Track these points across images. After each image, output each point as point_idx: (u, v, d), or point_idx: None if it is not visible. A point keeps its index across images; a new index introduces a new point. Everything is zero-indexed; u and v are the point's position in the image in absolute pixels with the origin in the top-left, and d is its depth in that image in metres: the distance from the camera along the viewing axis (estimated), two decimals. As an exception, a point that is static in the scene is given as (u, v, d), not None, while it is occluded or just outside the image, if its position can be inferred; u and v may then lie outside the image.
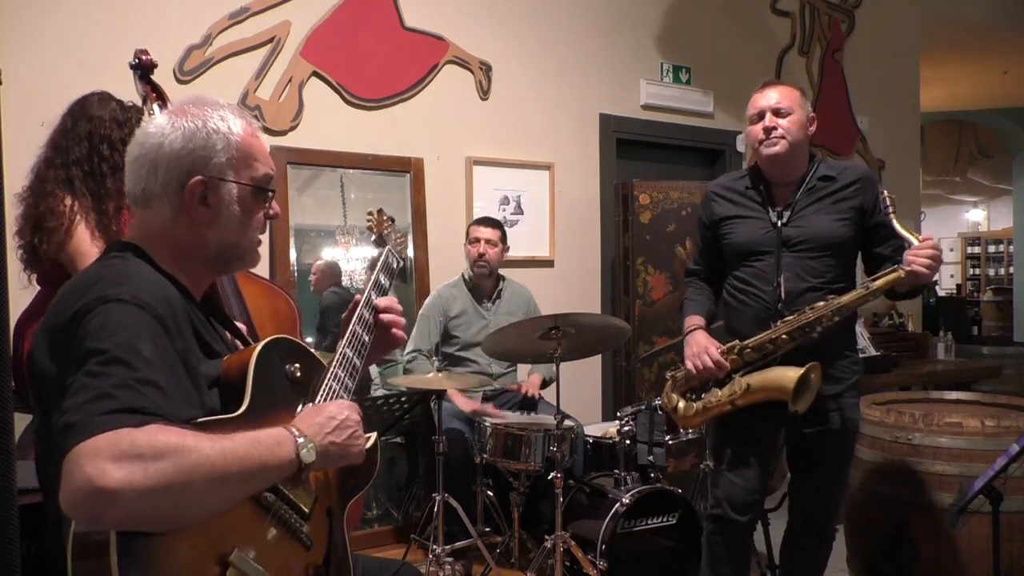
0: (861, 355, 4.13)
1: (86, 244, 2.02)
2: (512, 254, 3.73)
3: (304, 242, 3.59)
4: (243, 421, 1.15)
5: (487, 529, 3.26)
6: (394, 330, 1.57)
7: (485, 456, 3.04)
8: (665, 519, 2.89)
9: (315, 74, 3.55)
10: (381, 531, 3.60)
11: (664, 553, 2.89)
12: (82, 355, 1.05)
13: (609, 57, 4.42)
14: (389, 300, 1.58)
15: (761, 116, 2.29)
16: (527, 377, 3.58)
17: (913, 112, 6.08)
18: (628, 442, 2.99)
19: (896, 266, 2.12)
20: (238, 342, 1.43)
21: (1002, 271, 13.24)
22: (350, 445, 1.26)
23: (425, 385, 2.92)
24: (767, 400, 2.22)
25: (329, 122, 3.59)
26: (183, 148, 1.24)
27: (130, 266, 1.21)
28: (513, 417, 3.21)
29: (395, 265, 1.68)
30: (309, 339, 3.50)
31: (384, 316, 1.55)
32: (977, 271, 13.81)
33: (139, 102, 2.16)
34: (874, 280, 2.16)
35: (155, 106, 2.08)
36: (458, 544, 3.03)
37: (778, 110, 2.27)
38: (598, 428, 3.43)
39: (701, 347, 2.31)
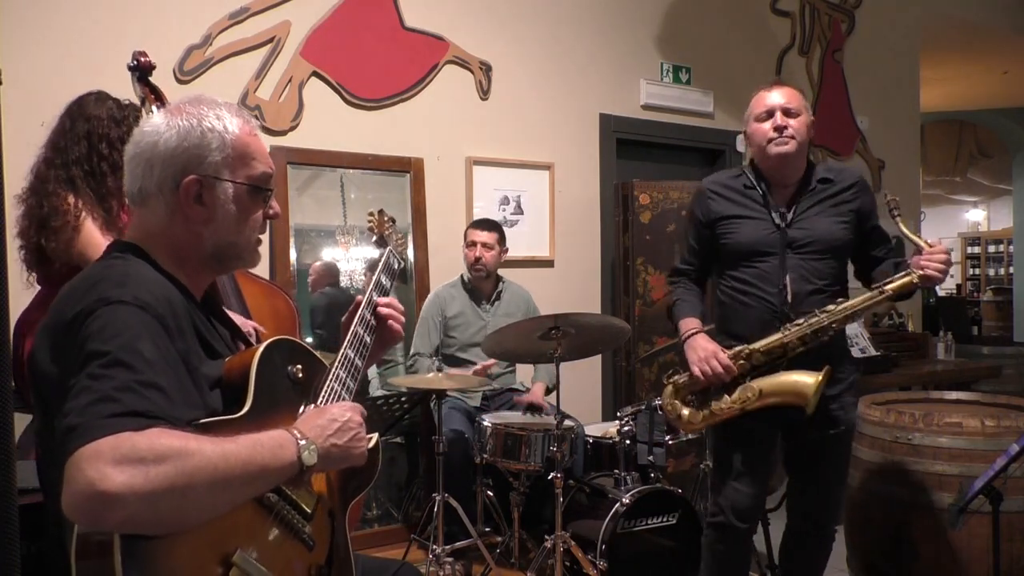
0: (861, 355, 4.16)
1: (97, 237, 2.02)
2: (512, 254, 3.73)
3: (304, 242, 3.59)
4: (245, 422, 1.15)
5: (487, 529, 3.26)
6: (391, 322, 1.57)
7: (485, 456, 3.04)
8: (665, 519, 2.89)
9: (315, 74, 3.55)
10: (381, 531, 3.60)
11: (664, 553, 2.89)
12: (84, 357, 1.05)
13: (609, 57, 4.42)
14: (389, 300, 1.58)
15: (770, 114, 2.27)
16: (531, 386, 3.55)
17: (913, 112, 6.08)
18: (628, 442, 2.99)
19: (908, 271, 2.15)
20: (239, 342, 1.43)
21: (1002, 271, 13.24)
22: (352, 447, 1.26)
23: (425, 385, 2.92)
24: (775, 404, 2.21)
25: (329, 122, 3.59)
26: (178, 147, 1.24)
27: (131, 266, 1.21)
28: (513, 417, 3.21)
29: (396, 266, 1.69)
30: (308, 339, 3.50)
31: (382, 309, 1.55)
32: (977, 271, 13.81)
33: (138, 103, 2.16)
34: (887, 284, 2.17)
35: (154, 108, 2.09)
36: (458, 544, 3.03)
37: (788, 110, 2.27)
38: (598, 428, 3.43)
39: (709, 352, 2.24)
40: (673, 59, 4.66)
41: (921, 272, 2.11)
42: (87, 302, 1.11)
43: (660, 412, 3.01)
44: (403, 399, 3.55)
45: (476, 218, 3.72)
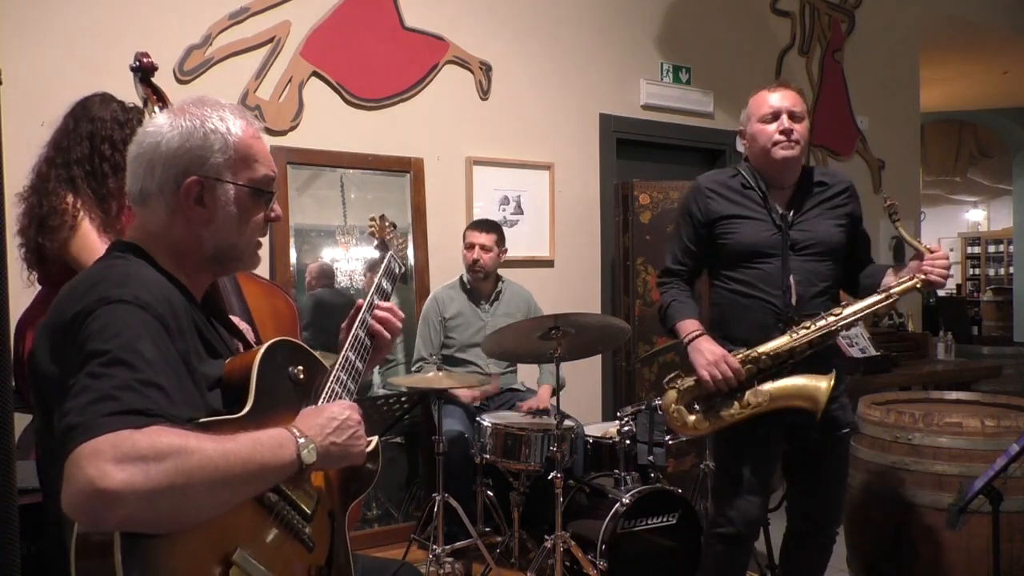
0: (861, 355, 4.16)
1: (93, 238, 2.02)
2: (512, 254, 3.73)
3: (304, 242, 3.59)
4: (246, 422, 1.15)
5: (487, 529, 3.26)
6: (382, 328, 1.54)
7: (485, 456, 3.04)
8: (665, 519, 2.89)
9: (315, 74, 3.55)
10: (381, 531, 3.60)
11: (664, 553, 2.89)
12: (84, 356, 1.05)
13: (609, 57, 4.42)
14: (390, 306, 1.58)
15: (776, 116, 2.26)
16: (538, 389, 3.54)
17: (913, 112, 6.08)
18: (628, 442, 2.99)
19: (913, 275, 2.17)
20: (239, 343, 1.43)
21: (1002, 271, 13.24)
22: (351, 445, 1.26)
23: (425, 385, 2.92)
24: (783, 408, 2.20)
25: (329, 122, 3.59)
26: (180, 147, 1.24)
27: (131, 266, 1.21)
28: (513, 417, 3.21)
29: (397, 270, 1.69)
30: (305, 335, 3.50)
31: (375, 325, 1.53)
32: (977, 271, 13.81)
33: (140, 104, 2.17)
34: (893, 288, 2.19)
35: (156, 108, 2.09)
36: (458, 544, 3.03)
37: (793, 114, 2.26)
38: (598, 428, 3.43)
39: (718, 356, 2.17)
40: (673, 59, 4.66)
41: (924, 277, 2.14)
42: (87, 301, 1.11)
43: (660, 412, 3.00)
44: (403, 399, 3.55)
45: (476, 219, 3.72)
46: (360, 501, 1.49)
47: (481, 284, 3.53)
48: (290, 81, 3.49)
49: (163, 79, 2.24)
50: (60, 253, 2.02)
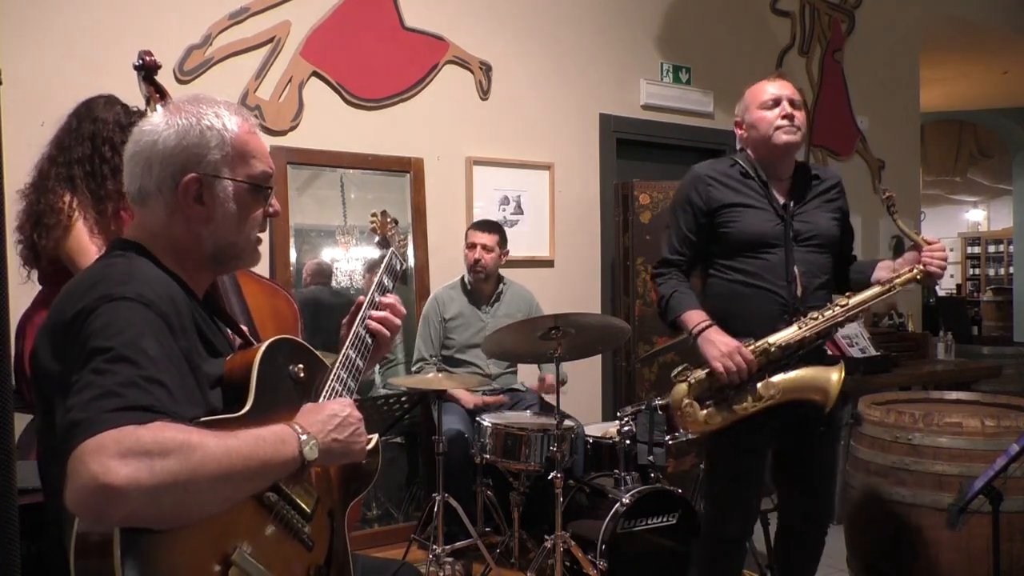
0: (861, 355, 4.16)
1: (85, 241, 2.04)
2: (512, 254, 3.73)
3: (304, 242, 3.59)
4: (247, 420, 1.15)
5: (487, 529, 3.26)
6: (381, 326, 1.54)
7: (485, 456, 3.04)
8: (665, 519, 2.89)
9: (315, 74, 3.55)
10: (381, 531, 3.60)
11: (664, 553, 2.89)
12: (87, 353, 1.05)
13: (609, 57, 4.42)
14: (392, 300, 1.57)
15: (777, 102, 2.27)
16: (542, 378, 3.52)
17: (913, 112, 6.08)
18: (628, 442, 2.99)
19: (912, 266, 2.18)
20: (240, 341, 1.43)
21: (1002, 271, 13.23)
22: (352, 442, 1.26)
23: (425, 385, 2.92)
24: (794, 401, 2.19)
25: (329, 122, 3.59)
26: (177, 145, 1.24)
27: (133, 264, 1.21)
28: (513, 417, 3.21)
29: (399, 267, 1.69)
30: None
31: (371, 323, 1.52)
32: (977, 271, 13.81)
33: (143, 103, 2.18)
34: (895, 279, 2.19)
35: (158, 107, 2.10)
36: (458, 544, 3.03)
37: (794, 101, 2.28)
38: (598, 428, 3.43)
39: (731, 346, 2.11)
40: (673, 59, 4.66)
41: (923, 268, 2.16)
42: (89, 299, 1.11)
43: (660, 412, 3.00)
44: (403, 399, 3.55)
45: (477, 219, 3.72)
46: (360, 501, 1.49)
47: (482, 285, 3.53)
48: (290, 81, 3.49)
49: (163, 79, 2.24)
50: (54, 251, 2.05)
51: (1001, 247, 13.27)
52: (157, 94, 2.13)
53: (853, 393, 3.85)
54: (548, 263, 4.23)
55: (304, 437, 1.16)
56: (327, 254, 3.64)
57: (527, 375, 3.69)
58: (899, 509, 2.58)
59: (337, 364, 1.41)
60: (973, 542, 2.41)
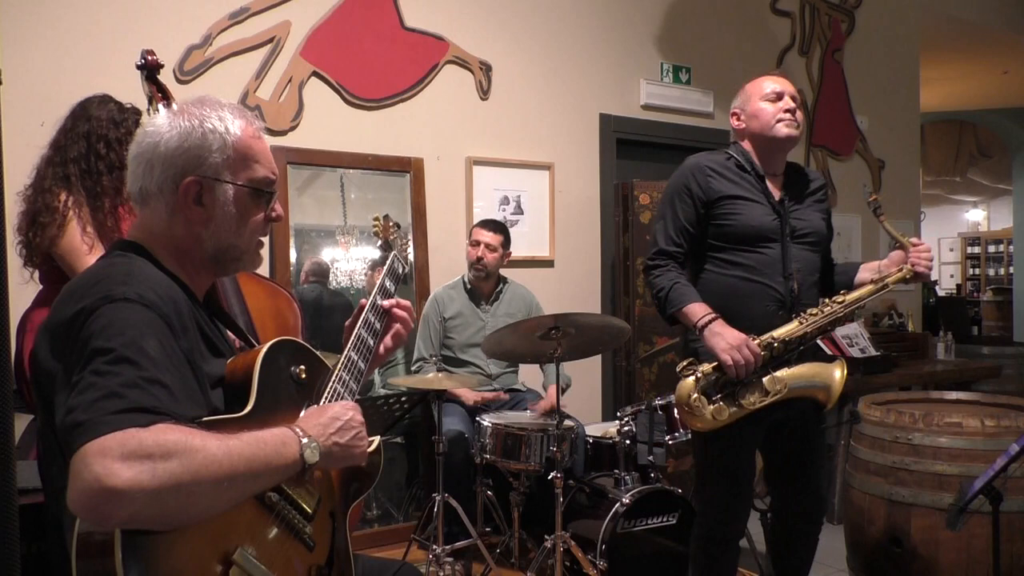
0: (861, 355, 4.16)
1: (76, 240, 2.07)
2: (512, 254, 3.73)
3: (304, 242, 3.59)
4: (248, 421, 1.15)
5: (487, 529, 3.26)
6: (398, 325, 1.57)
7: (485, 456, 3.04)
8: (665, 519, 2.89)
9: (315, 74, 3.55)
10: (381, 531, 3.60)
11: (664, 553, 2.89)
12: (88, 354, 1.05)
13: (609, 57, 4.42)
14: (394, 300, 1.58)
15: (780, 97, 2.28)
16: (544, 388, 3.54)
17: (913, 112, 6.09)
18: (628, 442, 2.99)
19: (900, 266, 2.20)
20: (240, 342, 1.43)
21: (1002, 271, 13.23)
22: (353, 446, 1.26)
23: (425, 385, 2.92)
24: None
25: (329, 122, 3.59)
26: (178, 147, 1.24)
27: (134, 265, 1.21)
28: (513, 417, 3.21)
29: (400, 271, 1.69)
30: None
31: (397, 311, 1.56)
32: (977, 271, 13.81)
33: (145, 102, 2.19)
34: (887, 277, 2.20)
35: (160, 106, 2.12)
36: (458, 544, 3.03)
37: (795, 98, 2.30)
38: (598, 428, 3.43)
39: (740, 339, 2.07)
40: (673, 59, 4.66)
41: (912, 267, 2.18)
42: (90, 299, 1.11)
43: (660, 412, 3.00)
44: (403, 399, 3.55)
45: (483, 218, 3.71)
46: (361, 502, 1.49)
47: (482, 283, 3.53)
48: (290, 81, 3.49)
49: (163, 79, 2.25)
50: (48, 249, 2.07)
51: (1001, 247, 13.27)
52: (159, 93, 2.15)
53: (853, 393, 3.86)
54: (548, 263, 4.23)
55: (305, 440, 1.16)
56: (327, 254, 3.64)
57: (527, 375, 3.69)
58: (899, 509, 2.58)
59: (339, 366, 1.41)
60: (973, 542, 2.41)
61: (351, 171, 3.67)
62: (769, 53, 5.13)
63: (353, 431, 1.26)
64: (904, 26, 5.91)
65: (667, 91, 4.63)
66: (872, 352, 4.24)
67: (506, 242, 3.52)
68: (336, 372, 1.40)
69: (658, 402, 3.03)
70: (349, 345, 1.46)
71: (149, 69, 2.14)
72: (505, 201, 4.09)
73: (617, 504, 2.80)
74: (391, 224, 1.79)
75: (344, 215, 3.67)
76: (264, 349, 1.25)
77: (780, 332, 2.13)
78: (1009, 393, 3.59)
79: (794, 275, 2.22)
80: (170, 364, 1.09)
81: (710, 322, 2.12)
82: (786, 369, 2.15)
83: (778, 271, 2.22)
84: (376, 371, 3.64)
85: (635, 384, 4.15)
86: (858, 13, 5.61)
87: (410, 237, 3.77)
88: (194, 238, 1.27)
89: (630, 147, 4.56)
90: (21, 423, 2.14)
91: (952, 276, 14.32)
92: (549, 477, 2.83)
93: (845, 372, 2.18)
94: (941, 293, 11.91)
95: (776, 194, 2.29)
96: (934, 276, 13.06)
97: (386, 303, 1.57)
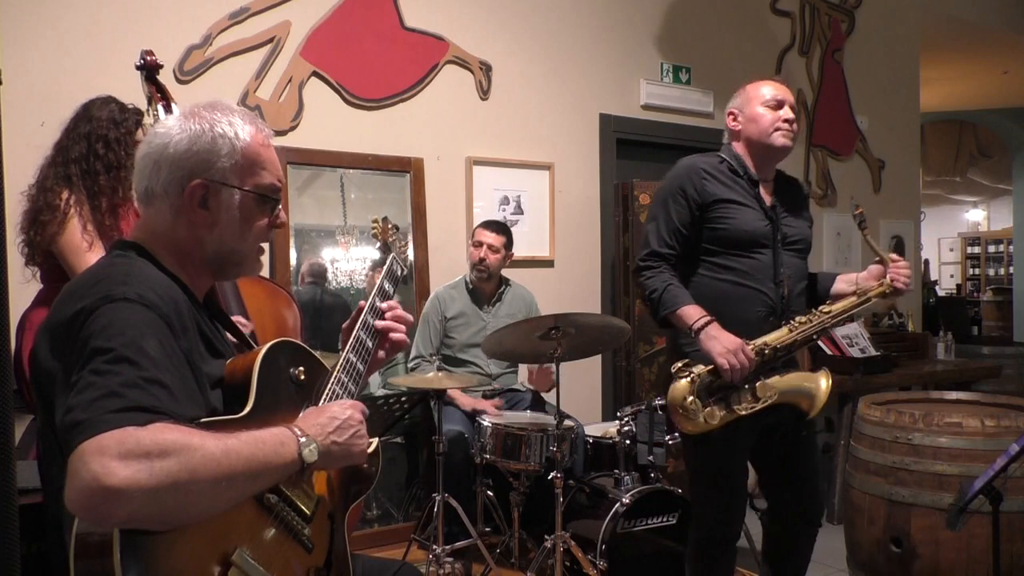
0: (861, 355, 4.16)
1: (76, 238, 2.09)
2: (514, 255, 3.73)
3: (304, 242, 3.59)
4: (247, 422, 1.15)
5: (487, 529, 3.26)
6: (392, 334, 1.56)
7: (485, 456, 3.04)
8: (665, 519, 2.89)
9: (315, 74, 3.55)
10: (381, 531, 3.60)
11: (664, 553, 2.89)
12: (88, 353, 1.05)
13: (609, 57, 4.42)
14: (392, 305, 1.58)
15: (780, 105, 2.28)
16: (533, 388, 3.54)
17: (913, 112, 6.08)
18: (628, 442, 2.99)
19: (880, 281, 2.24)
20: (240, 343, 1.43)
21: (1002, 271, 13.24)
22: (352, 445, 1.26)
23: (425, 385, 2.92)
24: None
25: (329, 122, 3.59)
26: (187, 150, 1.24)
27: (134, 265, 1.21)
28: (513, 417, 3.21)
29: (399, 272, 1.69)
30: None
31: (380, 324, 1.54)
32: (977, 271, 13.81)
33: (144, 102, 2.20)
34: (867, 291, 2.23)
35: (159, 106, 2.13)
36: (458, 544, 3.03)
37: (794, 108, 2.31)
38: (598, 428, 3.43)
39: (736, 343, 2.06)
40: (673, 59, 4.66)
41: (892, 283, 2.21)
42: (90, 299, 1.11)
43: (660, 412, 3.00)
44: (403, 399, 3.55)
45: (482, 219, 3.71)
46: (360, 503, 1.49)
47: (484, 284, 3.53)
48: (290, 81, 3.49)
49: (163, 79, 2.25)
50: (48, 247, 2.08)
51: (1001, 247, 13.27)
52: (159, 94, 2.16)
53: (853, 393, 3.87)
54: (548, 263, 4.23)
55: (304, 440, 1.16)
56: (327, 254, 3.64)
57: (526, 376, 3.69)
58: (899, 509, 2.58)
59: (338, 367, 1.42)
60: (973, 542, 2.41)
61: (351, 171, 3.67)
62: (769, 53, 5.13)
63: (352, 430, 1.26)
64: (904, 26, 5.91)
65: (667, 91, 4.62)
66: (872, 352, 4.24)
67: (508, 243, 3.52)
68: (335, 374, 1.40)
69: (658, 402, 3.03)
70: (348, 347, 1.46)
71: (148, 69, 2.15)
72: (505, 201, 4.09)
73: (617, 504, 2.80)
74: (390, 226, 1.79)
75: (344, 215, 3.67)
76: (263, 350, 1.26)
77: (771, 338, 2.14)
78: (1009, 393, 3.59)
79: (784, 281, 2.23)
80: (170, 364, 1.09)
81: (705, 325, 2.11)
82: (777, 376, 2.15)
83: (769, 277, 2.22)
84: (377, 372, 3.64)
85: (635, 384, 4.15)
86: (858, 13, 5.61)
87: (410, 237, 3.76)
88: (196, 241, 1.28)
89: (630, 147, 4.56)
90: (21, 423, 2.15)
91: (952, 276, 14.32)
92: (549, 477, 2.83)
93: (830, 382, 2.19)
94: (941, 293, 11.91)
95: (768, 200, 2.30)
96: (934, 276, 13.09)
97: (384, 305, 1.57)
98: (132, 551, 0.96)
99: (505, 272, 3.64)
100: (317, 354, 1.41)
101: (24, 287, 2.11)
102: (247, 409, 1.18)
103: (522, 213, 4.14)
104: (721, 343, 2.07)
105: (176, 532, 1.01)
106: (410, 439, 3.76)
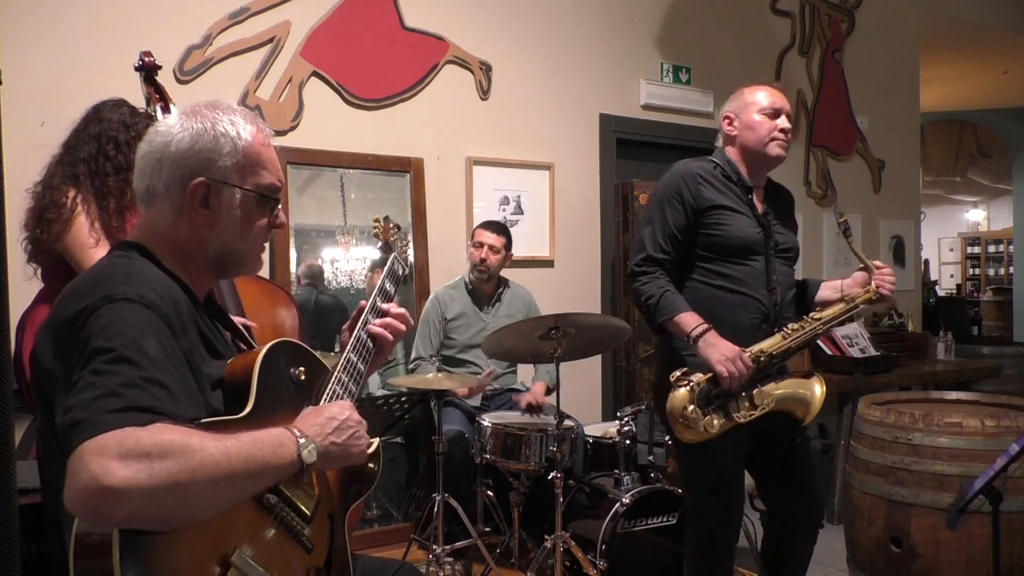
0: (861, 355, 4.16)
1: (84, 234, 2.08)
2: (514, 255, 3.73)
3: (304, 242, 3.59)
4: (247, 423, 1.15)
5: (487, 529, 3.26)
6: (384, 331, 1.54)
7: (485, 456, 3.04)
8: (665, 519, 2.89)
9: (315, 74, 3.55)
10: (381, 531, 3.60)
11: (664, 553, 2.89)
12: (88, 353, 1.05)
13: (609, 57, 4.42)
14: (401, 312, 1.57)
15: (778, 115, 2.27)
16: (531, 385, 3.56)
17: (913, 112, 6.08)
18: (628, 442, 2.99)
19: (865, 287, 2.24)
20: (240, 343, 1.43)
21: (1002, 271, 13.24)
22: (351, 445, 1.26)
23: (425, 385, 2.92)
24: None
25: (329, 122, 3.59)
26: (189, 149, 1.25)
27: (135, 265, 1.21)
28: (513, 417, 3.21)
29: (401, 272, 1.69)
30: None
31: (373, 329, 1.52)
32: (977, 271, 13.81)
33: (143, 103, 2.20)
34: (854, 298, 2.23)
35: (158, 107, 2.13)
36: (458, 544, 3.03)
37: (791, 117, 2.30)
38: (598, 428, 3.43)
39: (735, 351, 2.06)
40: (673, 59, 4.66)
41: (877, 289, 2.21)
42: (91, 299, 1.11)
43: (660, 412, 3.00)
44: (403, 399, 3.55)
45: (481, 220, 3.71)
46: (360, 504, 1.48)
47: (484, 285, 3.53)
48: (290, 81, 3.49)
49: (163, 79, 2.26)
50: (54, 245, 2.08)
51: (1001, 247, 13.28)
52: (157, 95, 2.16)
53: (853, 393, 3.87)
54: (548, 263, 4.23)
55: (303, 441, 1.16)
56: (327, 254, 3.64)
57: (527, 375, 3.69)
58: (899, 509, 2.58)
59: (338, 367, 1.41)
60: (973, 542, 2.41)
61: (351, 171, 3.67)
62: (769, 53, 5.13)
63: (351, 430, 1.26)
64: (904, 26, 5.91)
65: (667, 91, 4.62)
66: (872, 352, 4.24)
67: (508, 243, 3.52)
68: (336, 374, 1.40)
69: (658, 402, 3.03)
70: (349, 347, 1.46)
71: (147, 71, 2.15)
72: (505, 201, 4.09)
73: (617, 504, 2.80)
74: (391, 226, 1.79)
75: (344, 215, 3.67)
76: (264, 350, 1.26)
77: (767, 345, 2.14)
78: (1009, 393, 3.59)
79: (777, 288, 2.24)
80: (170, 364, 1.09)
81: (704, 333, 2.10)
82: (772, 383, 2.16)
83: (762, 283, 2.22)
84: (376, 371, 3.64)
85: (635, 384, 4.15)
86: (858, 13, 5.61)
87: (410, 237, 3.77)
88: (198, 240, 1.28)
89: (630, 147, 4.56)
90: (21, 423, 2.15)
91: (952, 276, 14.32)
92: (549, 477, 2.84)
93: (824, 389, 2.19)
94: (941, 293, 11.91)
95: (760, 207, 2.30)
96: (934, 276, 13.09)
97: (385, 306, 1.57)
98: (132, 551, 0.96)
99: (505, 272, 3.64)
100: (317, 355, 1.41)
101: (25, 285, 2.11)
102: (247, 409, 1.18)
103: (522, 213, 4.14)
104: (720, 351, 2.07)
105: (176, 532, 1.01)
106: (410, 439, 3.76)
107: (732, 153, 2.33)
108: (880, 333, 4.95)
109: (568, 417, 3.04)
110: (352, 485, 1.42)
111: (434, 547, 2.87)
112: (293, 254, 3.51)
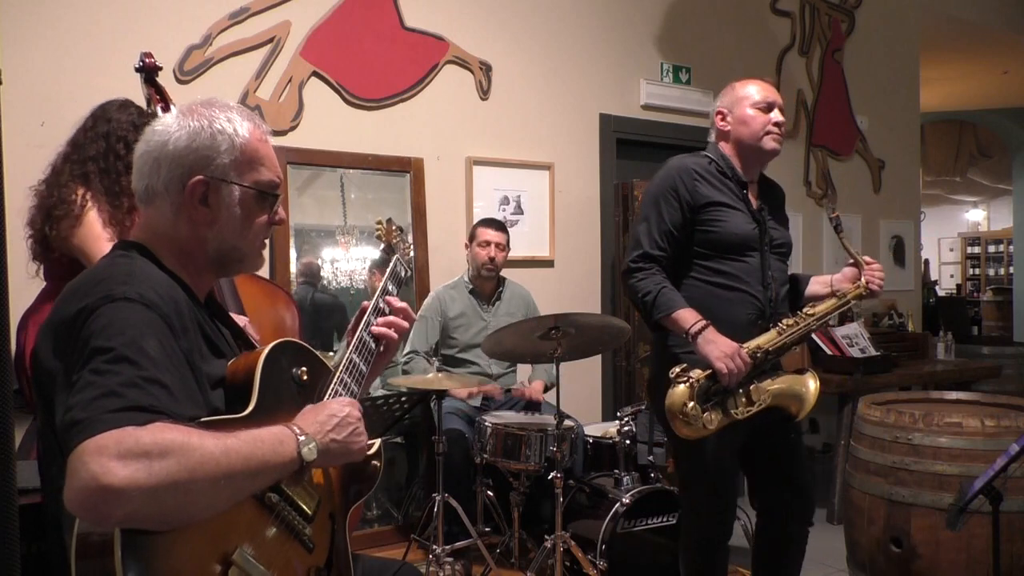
0: (861, 355, 4.16)
1: (97, 229, 2.06)
2: (512, 254, 3.73)
3: (304, 242, 3.59)
4: (249, 422, 1.15)
5: (487, 529, 3.26)
6: (388, 330, 1.54)
7: (485, 456, 3.04)
8: (665, 519, 2.89)
9: (315, 74, 3.55)
10: (381, 531, 3.60)
11: (664, 553, 2.89)
12: (88, 353, 1.05)
13: (609, 57, 4.42)
14: (403, 306, 1.57)
15: (770, 108, 2.28)
16: (528, 382, 3.57)
17: (913, 112, 6.09)
18: (628, 442, 2.99)
19: (855, 283, 2.25)
20: (241, 343, 1.43)
21: (1002, 271, 13.24)
22: (351, 442, 1.25)
23: (425, 385, 2.92)
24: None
25: (329, 122, 3.59)
26: (187, 147, 1.24)
27: (136, 265, 1.21)
28: (513, 417, 3.21)
29: (403, 274, 1.69)
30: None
31: (376, 329, 1.52)
32: (977, 271, 13.81)
33: (144, 104, 2.19)
34: (845, 293, 2.24)
35: (158, 108, 2.12)
36: (458, 544, 3.03)
37: (784, 111, 2.31)
38: (598, 428, 3.43)
39: (733, 347, 2.06)
40: (673, 59, 4.66)
41: (867, 285, 2.23)
42: (91, 299, 1.11)
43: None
44: (403, 399, 3.55)
45: (482, 218, 3.70)
46: (361, 504, 1.48)
47: (486, 284, 3.54)
48: (290, 81, 3.49)
49: (163, 79, 2.26)
50: (63, 242, 2.06)
51: (1001, 247, 13.27)
52: (158, 96, 2.15)
53: (853, 393, 3.87)
54: (548, 263, 4.23)
55: (303, 438, 1.16)
56: (327, 254, 3.64)
57: (527, 375, 3.69)
58: (899, 509, 2.58)
59: (340, 367, 1.41)
60: (973, 542, 2.41)
61: (351, 171, 3.67)
62: (769, 53, 5.13)
63: (351, 427, 1.25)
64: (904, 26, 5.91)
65: (667, 91, 4.62)
66: (872, 352, 4.24)
67: (509, 240, 3.54)
68: (338, 374, 1.40)
69: (658, 402, 3.03)
70: (351, 347, 1.46)
71: (147, 71, 2.15)
72: (505, 201, 4.09)
73: (617, 504, 2.80)
74: (394, 228, 1.79)
75: (344, 215, 3.67)
76: (266, 350, 1.26)
77: (763, 341, 2.13)
78: (1009, 393, 3.59)
79: (772, 284, 2.24)
80: (170, 364, 1.09)
81: (702, 329, 2.09)
82: (768, 379, 2.16)
83: (758, 280, 2.22)
84: (380, 373, 3.63)
85: (635, 384, 4.15)
86: (858, 13, 5.61)
87: (410, 237, 3.77)
88: (198, 239, 1.28)
89: (630, 147, 4.56)
90: (21, 423, 2.14)
91: (952, 276, 14.32)
92: (549, 477, 2.83)
93: (818, 384, 2.20)
94: (941, 293, 11.90)
95: (754, 203, 2.30)
96: (934, 276, 13.09)
97: (385, 299, 1.57)
98: (133, 551, 0.96)
99: (505, 272, 3.64)
100: (319, 355, 1.41)
101: (27, 284, 2.10)
102: (249, 409, 1.18)
103: (522, 213, 4.14)
104: (719, 347, 2.06)
105: (177, 532, 1.01)
106: (410, 439, 3.76)
107: (726, 148, 2.34)
108: (880, 333, 4.95)
109: (568, 417, 3.04)
110: (353, 485, 1.42)
111: (434, 547, 2.87)
112: (293, 254, 3.51)
